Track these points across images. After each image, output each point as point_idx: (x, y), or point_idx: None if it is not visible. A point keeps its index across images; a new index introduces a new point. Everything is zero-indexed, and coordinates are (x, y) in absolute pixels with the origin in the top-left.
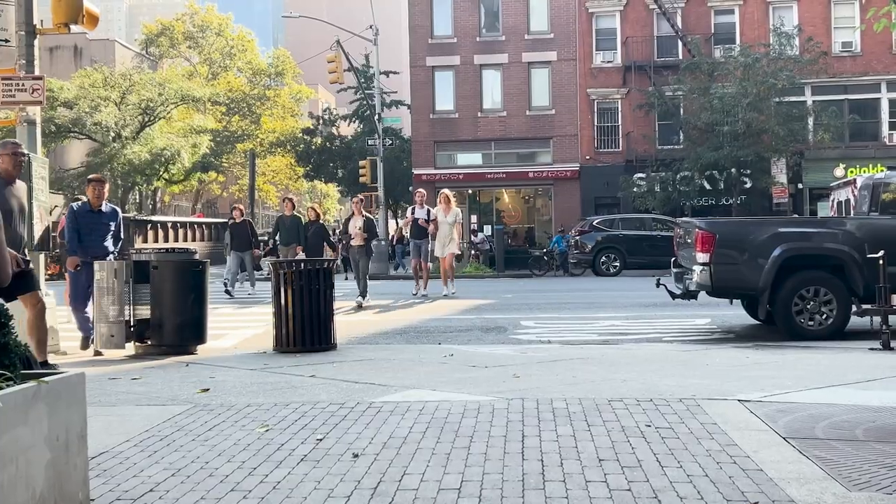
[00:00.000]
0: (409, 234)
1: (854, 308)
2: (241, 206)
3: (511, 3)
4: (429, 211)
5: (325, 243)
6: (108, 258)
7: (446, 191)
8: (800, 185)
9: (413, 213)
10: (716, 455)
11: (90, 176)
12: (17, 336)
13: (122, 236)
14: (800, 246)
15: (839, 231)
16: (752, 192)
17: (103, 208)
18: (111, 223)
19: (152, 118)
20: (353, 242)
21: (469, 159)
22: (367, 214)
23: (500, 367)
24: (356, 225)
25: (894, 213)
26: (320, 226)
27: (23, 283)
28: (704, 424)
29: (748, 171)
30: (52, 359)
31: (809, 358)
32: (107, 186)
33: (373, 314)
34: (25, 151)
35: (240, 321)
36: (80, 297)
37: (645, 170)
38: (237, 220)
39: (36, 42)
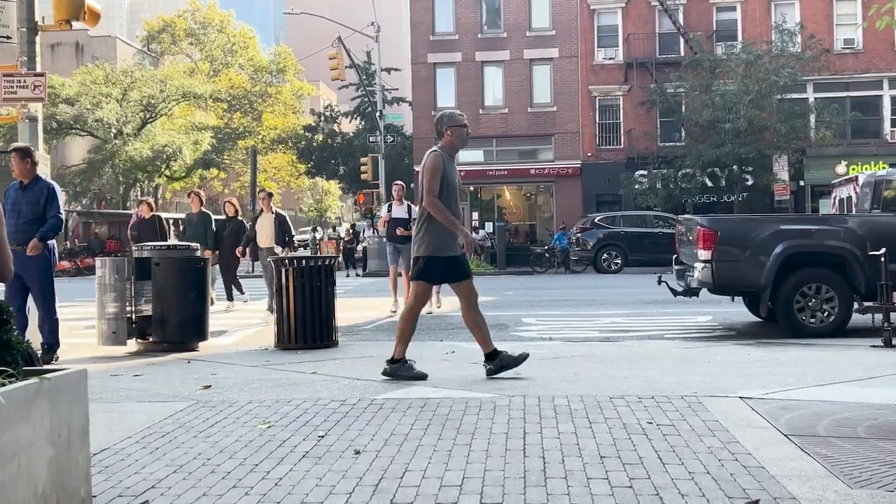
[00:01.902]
0: (385, 237)
1: (856, 305)
2: (150, 200)
3: (512, 0)
4: (409, 207)
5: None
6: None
7: None
8: (801, 183)
9: (389, 210)
10: (717, 452)
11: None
12: (18, 332)
13: (58, 219)
14: (801, 243)
15: (841, 228)
16: (754, 189)
17: (32, 184)
18: (35, 202)
19: (154, 115)
20: (261, 244)
21: (470, 156)
22: (280, 211)
23: None
24: (264, 225)
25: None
26: (239, 223)
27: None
28: (706, 421)
29: (750, 169)
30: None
31: (811, 355)
32: (36, 158)
33: (373, 311)
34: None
35: (241, 318)
36: (13, 296)
37: (646, 167)
38: (145, 217)
39: (37, 39)
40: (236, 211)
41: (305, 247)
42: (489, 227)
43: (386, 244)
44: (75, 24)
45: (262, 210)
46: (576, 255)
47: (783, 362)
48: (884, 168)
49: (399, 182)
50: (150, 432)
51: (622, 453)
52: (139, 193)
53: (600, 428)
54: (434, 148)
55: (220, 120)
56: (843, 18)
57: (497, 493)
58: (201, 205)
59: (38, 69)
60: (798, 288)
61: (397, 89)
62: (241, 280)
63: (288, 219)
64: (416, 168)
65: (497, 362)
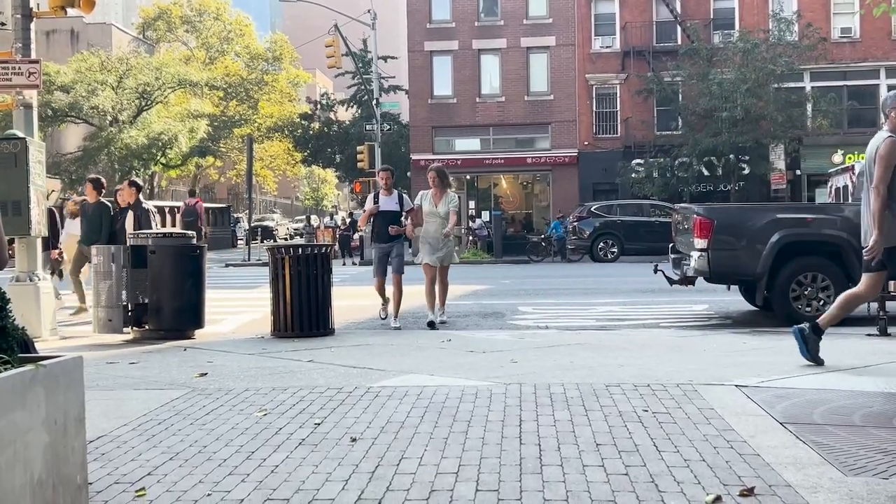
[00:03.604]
0: (370, 236)
1: None
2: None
3: None
4: (401, 197)
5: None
6: None
7: (438, 166)
8: (798, 172)
9: (376, 201)
10: (713, 440)
11: None
12: (14, 319)
13: None
14: (798, 232)
15: (837, 217)
16: (751, 178)
17: None
18: None
19: (149, 102)
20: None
21: (467, 145)
22: (145, 205)
23: (498, 353)
24: (128, 223)
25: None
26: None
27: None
28: (701, 409)
29: (746, 158)
30: (42, 344)
31: None
32: None
33: (370, 299)
34: None
35: (238, 306)
36: None
37: (643, 156)
38: None
39: (32, 25)
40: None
41: (301, 235)
42: (486, 215)
43: (373, 247)
44: (70, 11)
45: (128, 203)
46: (572, 243)
47: (779, 351)
48: None
49: (387, 168)
50: (147, 420)
51: (618, 441)
52: None
53: (596, 416)
54: (887, 133)
55: (216, 108)
56: (841, 7)
57: (493, 481)
58: (99, 194)
59: (33, 56)
60: (794, 277)
61: (394, 77)
62: None
63: (151, 214)
64: (413, 157)
65: None
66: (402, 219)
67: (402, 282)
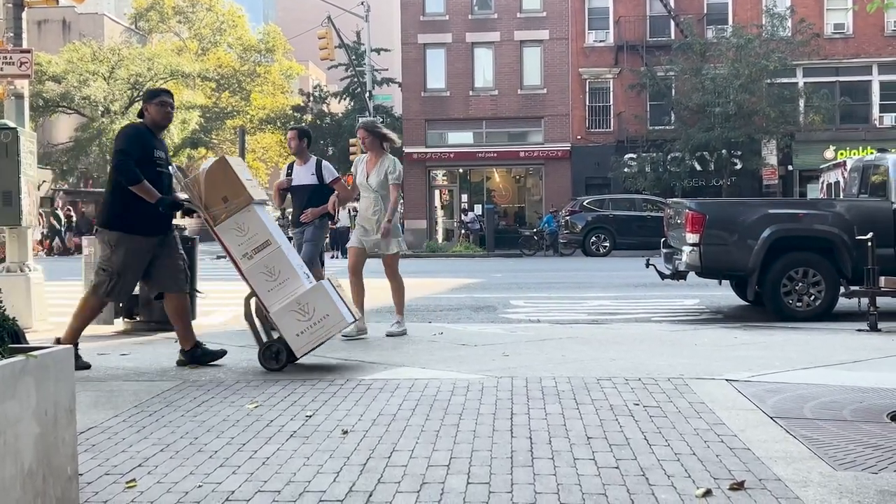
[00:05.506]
0: (289, 218)
1: (842, 289)
2: None
3: None
4: (319, 165)
5: None
6: None
7: (368, 120)
8: (790, 167)
9: (289, 173)
10: (703, 434)
11: None
12: (4, 310)
13: None
14: (789, 227)
15: (828, 213)
16: (743, 173)
17: None
18: None
19: (141, 93)
20: None
21: (460, 138)
22: None
23: (490, 346)
24: None
25: (883, 196)
26: None
27: None
28: (692, 403)
29: (739, 153)
30: (33, 335)
31: (797, 338)
32: None
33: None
34: None
35: (230, 298)
36: None
37: (636, 150)
38: None
39: (24, 15)
40: None
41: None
42: (478, 209)
43: (293, 232)
44: (62, 1)
45: None
46: (564, 237)
47: (770, 345)
48: (872, 153)
49: (295, 127)
50: (137, 411)
51: (609, 434)
52: None
53: (587, 409)
54: None
55: (208, 99)
56: (834, 3)
57: (484, 473)
58: None
59: (25, 45)
60: (785, 272)
61: (387, 70)
62: None
63: None
64: (406, 150)
65: None
66: (325, 191)
67: (322, 274)
